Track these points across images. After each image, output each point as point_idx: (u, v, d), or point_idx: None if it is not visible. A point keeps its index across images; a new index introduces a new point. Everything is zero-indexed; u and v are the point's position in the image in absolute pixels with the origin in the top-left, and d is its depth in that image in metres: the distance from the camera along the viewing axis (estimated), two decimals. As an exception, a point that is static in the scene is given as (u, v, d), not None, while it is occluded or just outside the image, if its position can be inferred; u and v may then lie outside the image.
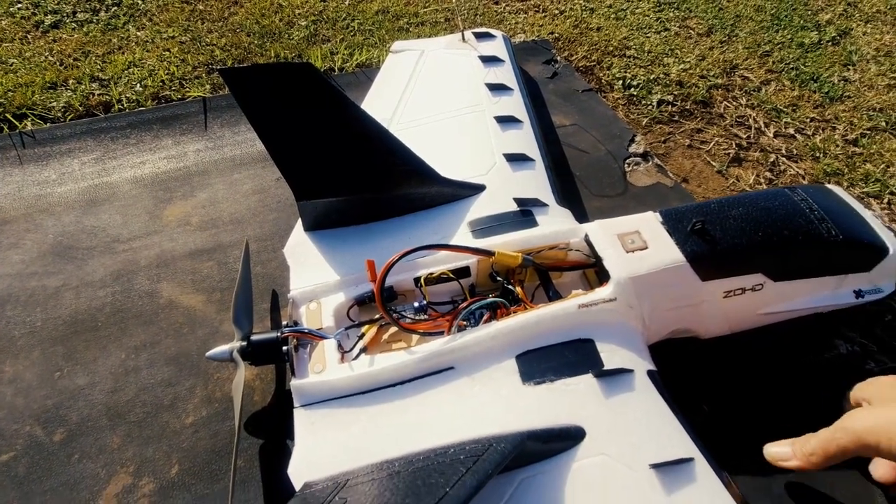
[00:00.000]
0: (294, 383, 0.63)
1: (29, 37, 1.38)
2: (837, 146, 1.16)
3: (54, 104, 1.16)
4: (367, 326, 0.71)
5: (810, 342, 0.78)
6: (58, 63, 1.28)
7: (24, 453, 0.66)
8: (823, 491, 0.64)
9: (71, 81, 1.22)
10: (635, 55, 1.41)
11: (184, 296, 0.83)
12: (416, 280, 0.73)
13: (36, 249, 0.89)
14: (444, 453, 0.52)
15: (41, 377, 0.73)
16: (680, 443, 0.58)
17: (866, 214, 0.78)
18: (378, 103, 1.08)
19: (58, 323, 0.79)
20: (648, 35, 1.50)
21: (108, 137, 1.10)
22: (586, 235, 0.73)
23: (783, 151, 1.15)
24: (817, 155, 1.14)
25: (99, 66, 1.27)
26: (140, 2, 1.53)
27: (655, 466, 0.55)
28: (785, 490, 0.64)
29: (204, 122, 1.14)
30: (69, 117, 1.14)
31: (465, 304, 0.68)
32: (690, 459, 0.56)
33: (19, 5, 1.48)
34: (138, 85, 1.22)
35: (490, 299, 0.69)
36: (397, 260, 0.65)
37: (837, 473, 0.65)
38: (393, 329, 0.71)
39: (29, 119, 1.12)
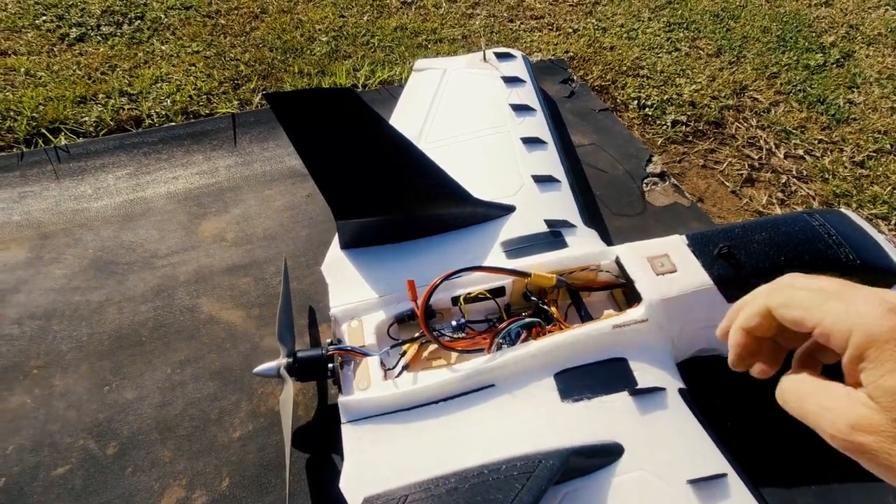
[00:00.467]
0: (342, 400, 0.66)
1: (55, 49, 1.40)
2: (845, 168, 1.20)
3: (86, 119, 1.18)
4: (408, 345, 0.73)
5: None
6: (86, 77, 1.31)
7: (80, 466, 0.68)
8: (842, 503, 0.68)
9: (100, 96, 1.25)
10: (648, 75, 1.45)
11: (224, 311, 0.85)
12: (454, 299, 0.76)
13: (77, 264, 0.91)
14: (497, 470, 0.55)
15: (91, 391, 0.76)
16: (713, 458, 0.61)
17: (880, 238, 0.81)
18: (404, 121, 1.11)
19: (103, 337, 0.82)
20: (660, 55, 1.54)
21: (140, 153, 1.12)
22: (617, 258, 0.76)
23: (794, 172, 1.19)
24: (826, 176, 1.18)
25: (127, 81, 1.30)
26: (163, 16, 1.56)
27: (692, 482, 0.58)
28: (809, 503, 0.68)
29: (233, 138, 1.17)
30: (101, 132, 1.17)
31: (505, 324, 0.71)
32: (724, 475, 0.59)
33: (44, 17, 1.50)
34: (167, 100, 1.25)
35: (528, 319, 0.72)
36: (441, 282, 0.68)
37: (857, 486, 0.69)
38: (433, 346, 0.74)
39: (63, 134, 1.14)
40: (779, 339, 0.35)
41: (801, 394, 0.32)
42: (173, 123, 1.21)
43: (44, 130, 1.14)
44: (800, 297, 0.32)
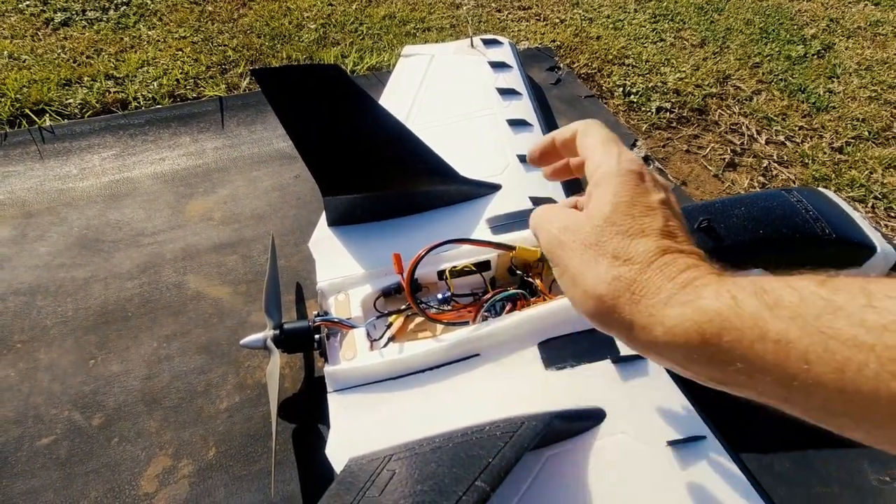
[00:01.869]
0: (328, 369, 0.66)
1: (40, 34, 1.39)
2: (825, 153, 1.23)
3: (71, 101, 1.17)
4: (394, 316, 0.74)
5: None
6: (71, 60, 1.30)
7: (65, 437, 0.68)
8: (818, 468, 0.69)
9: (86, 79, 1.24)
10: (634, 64, 1.47)
11: (211, 287, 0.86)
12: (440, 273, 0.77)
13: (62, 242, 0.91)
14: (482, 430, 0.56)
15: (76, 364, 0.76)
16: (692, 423, 0.62)
17: (855, 215, 0.84)
18: (391, 105, 1.12)
19: (89, 313, 0.81)
20: (645, 45, 1.56)
21: (126, 134, 1.12)
22: (600, 232, 0.78)
23: (775, 157, 1.22)
24: (806, 161, 1.21)
25: (113, 65, 1.29)
26: (149, 2, 1.55)
27: (671, 443, 0.59)
28: (786, 469, 0.69)
29: (221, 121, 1.16)
30: (87, 114, 1.16)
31: (489, 295, 0.72)
32: (703, 437, 0.60)
33: (28, 2, 1.49)
34: (154, 83, 1.24)
35: (512, 291, 0.73)
36: (426, 253, 0.69)
37: (832, 453, 0.71)
38: (419, 319, 0.75)
39: (47, 115, 1.14)
40: (570, 161, 0.48)
41: (545, 213, 0.43)
42: (160, 106, 1.20)
43: (28, 111, 1.13)
44: (596, 133, 0.43)
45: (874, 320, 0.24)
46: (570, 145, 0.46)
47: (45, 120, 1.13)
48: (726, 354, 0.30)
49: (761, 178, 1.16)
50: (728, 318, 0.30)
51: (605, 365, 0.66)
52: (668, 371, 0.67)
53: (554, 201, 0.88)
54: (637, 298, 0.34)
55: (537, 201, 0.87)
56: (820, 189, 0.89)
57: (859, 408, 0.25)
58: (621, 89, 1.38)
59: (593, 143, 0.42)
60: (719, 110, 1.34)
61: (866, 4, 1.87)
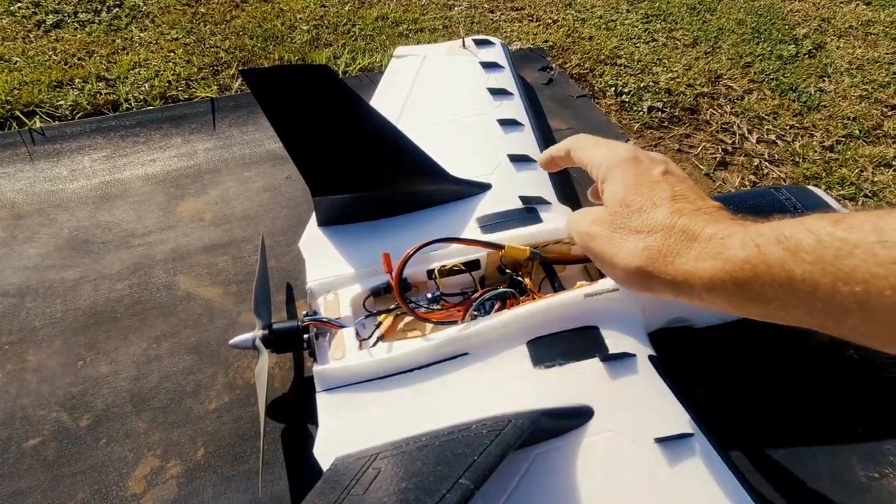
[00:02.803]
0: (316, 369, 0.66)
1: (31, 36, 1.39)
2: (815, 152, 1.23)
3: (62, 102, 1.17)
4: (383, 316, 0.74)
5: (796, 330, 0.84)
6: (62, 62, 1.30)
7: (53, 438, 0.68)
8: (807, 465, 0.69)
9: (77, 80, 1.24)
10: (626, 64, 1.48)
11: (201, 288, 0.85)
12: (429, 272, 0.77)
13: (52, 243, 0.90)
14: (468, 428, 0.56)
15: (64, 366, 0.75)
16: (680, 420, 0.62)
17: (843, 211, 0.84)
18: (383, 106, 1.12)
19: (78, 314, 0.81)
20: (637, 45, 1.57)
21: (117, 135, 1.12)
22: (590, 231, 0.78)
23: (766, 156, 1.22)
24: (797, 160, 1.21)
25: (104, 66, 1.29)
26: (142, 3, 1.55)
27: (659, 441, 0.59)
28: (775, 466, 0.70)
29: (212, 122, 1.16)
30: (77, 115, 1.16)
31: (478, 294, 0.72)
32: (691, 435, 0.60)
33: (19, 4, 1.48)
34: (145, 85, 1.24)
35: (501, 290, 0.73)
36: (414, 252, 0.69)
37: (821, 449, 0.71)
38: (408, 318, 0.75)
39: (38, 117, 1.13)
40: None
41: (575, 217, 0.49)
42: (151, 107, 1.20)
43: (18, 113, 1.13)
44: (584, 144, 0.50)
45: (885, 255, 0.28)
46: (567, 159, 0.53)
47: (35, 122, 1.13)
48: (764, 295, 0.34)
49: (752, 177, 1.17)
50: (756, 265, 0.33)
51: (594, 363, 0.66)
52: (656, 369, 0.67)
53: (545, 201, 0.88)
54: (671, 260, 0.38)
55: (527, 200, 0.87)
56: (808, 187, 0.89)
57: (886, 330, 0.29)
58: (613, 89, 1.38)
59: (585, 152, 0.49)
60: (711, 110, 1.35)
61: (858, 4, 1.88)
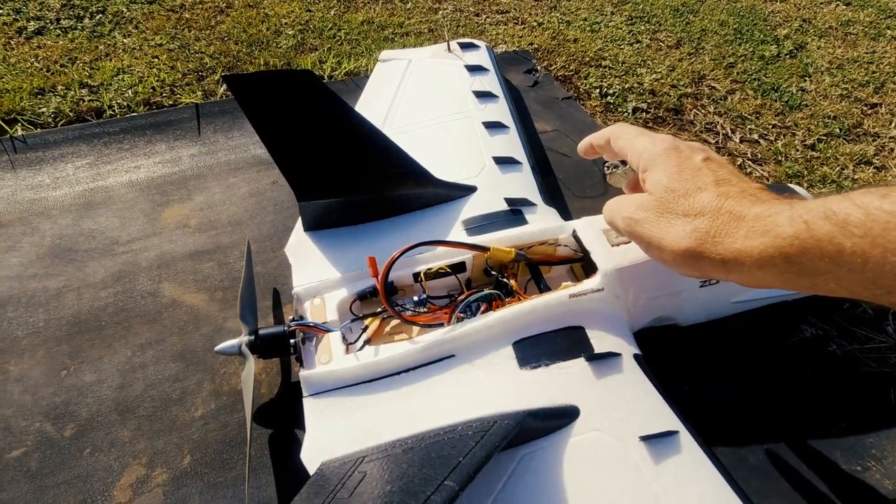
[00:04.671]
0: (303, 374, 0.66)
1: (12, 43, 1.38)
2: (797, 150, 1.25)
3: (44, 110, 1.16)
4: (370, 319, 0.74)
5: (780, 327, 0.85)
6: (44, 69, 1.28)
7: (36, 448, 0.67)
8: (792, 460, 0.70)
9: (59, 87, 1.23)
10: (610, 65, 1.49)
11: (186, 295, 0.85)
12: (415, 276, 0.77)
13: (34, 252, 0.89)
14: (454, 430, 0.56)
15: (48, 375, 0.74)
16: (665, 418, 0.63)
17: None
18: (368, 110, 1.12)
19: (61, 323, 0.80)
20: (622, 47, 1.58)
21: (101, 142, 1.11)
22: (574, 231, 0.78)
23: (749, 155, 1.24)
24: (780, 159, 1.23)
25: (87, 73, 1.28)
26: (125, 9, 1.54)
27: (644, 438, 0.60)
28: (760, 462, 0.70)
29: (197, 128, 1.16)
30: (60, 123, 1.15)
31: (463, 296, 0.72)
32: (676, 432, 0.61)
33: (0, 11, 1.47)
34: (129, 91, 1.23)
35: (487, 291, 0.73)
36: (399, 255, 0.69)
37: (805, 444, 0.72)
38: (395, 322, 0.75)
39: (19, 124, 1.12)
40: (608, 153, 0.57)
41: (616, 204, 0.50)
42: (135, 114, 1.19)
43: (-1, 121, 1.12)
44: (625, 133, 0.51)
45: None
46: (607, 147, 0.55)
47: (16, 129, 1.12)
48: (813, 268, 0.35)
49: (735, 176, 1.18)
50: (805, 240, 0.34)
51: (579, 363, 0.67)
52: (642, 367, 0.68)
53: (530, 202, 0.88)
54: (720, 240, 0.39)
55: (512, 202, 0.87)
56: (789, 185, 0.90)
57: None
58: (598, 90, 1.39)
59: (627, 142, 0.51)
60: (694, 110, 1.36)
61: (837, 4, 1.91)
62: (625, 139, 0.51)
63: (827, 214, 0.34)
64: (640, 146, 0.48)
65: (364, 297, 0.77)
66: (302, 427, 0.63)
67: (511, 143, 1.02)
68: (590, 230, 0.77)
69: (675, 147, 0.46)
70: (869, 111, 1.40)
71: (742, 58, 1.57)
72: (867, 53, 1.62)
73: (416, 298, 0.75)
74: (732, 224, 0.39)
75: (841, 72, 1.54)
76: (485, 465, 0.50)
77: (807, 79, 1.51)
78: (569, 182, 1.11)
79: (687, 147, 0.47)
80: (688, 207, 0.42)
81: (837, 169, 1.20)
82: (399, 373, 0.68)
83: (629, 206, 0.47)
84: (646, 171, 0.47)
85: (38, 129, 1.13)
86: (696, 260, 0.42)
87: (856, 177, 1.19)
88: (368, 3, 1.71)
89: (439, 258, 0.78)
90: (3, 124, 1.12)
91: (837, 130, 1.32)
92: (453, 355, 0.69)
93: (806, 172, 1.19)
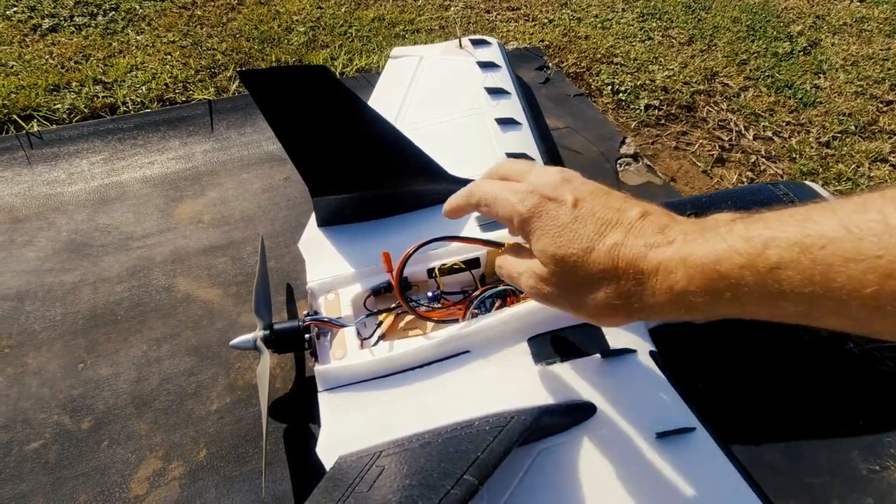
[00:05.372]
0: (318, 369, 0.66)
1: (27, 40, 1.39)
2: (812, 148, 1.24)
3: (59, 106, 1.17)
4: (384, 315, 0.74)
5: (796, 325, 0.84)
6: (59, 66, 1.29)
7: (55, 440, 0.68)
8: (809, 459, 0.70)
9: (74, 84, 1.24)
10: (622, 62, 1.48)
11: (201, 290, 0.85)
12: (429, 271, 0.77)
13: (50, 247, 0.90)
14: (471, 425, 0.56)
15: (65, 368, 0.75)
16: (682, 415, 0.63)
17: (841, 207, 0.84)
18: (381, 106, 1.12)
19: (77, 317, 0.81)
20: (633, 44, 1.57)
21: (115, 138, 1.12)
22: (588, 228, 0.78)
23: (762, 153, 1.23)
24: (794, 156, 1.22)
25: (101, 70, 1.29)
26: (138, 7, 1.55)
27: (660, 435, 0.59)
28: (777, 460, 0.70)
29: (210, 124, 1.16)
30: (75, 119, 1.16)
31: (478, 292, 0.72)
32: (692, 429, 0.61)
33: (15, 9, 1.48)
34: (142, 88, 1.24)
35: (501, 287, 0.73)
36: (414, 251, 0.69)
37: (822, 443, 0.71)
38: (409, 317, 0.75)
39: (35, 121, 1.13)
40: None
41: (507, 264, 0.47)
42: (149, 110, 1.20)
43: (16, 117, 1.13)
44: (485, 197, 0.45)
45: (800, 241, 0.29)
46: (470, 209, 0.50)
47: (32, 125, 1.13)
48: (737, 301, 0.32)
49: (749, 174, 1.17)
50: (714, 279, 0.33)
51: (595, 359, 0.66)
52: (657, 364, 0.67)
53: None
54: (636, 300, 0.36)
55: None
56: (806, 182, 0.89)
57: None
58: (610, 87, 1.39)
59: (489, 208, 0.45)
60: (707, 107, 1.35)
61: (851, 1, 1.89)
62: (486, 204, 0.45)
63: (718, 258, 0.32)
64: (504, 212, 0.43)
65: (378, 292, 0.77)
66: (316, 422, 0.63)
67: (524, 140, 1.01)
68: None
69: (541, 203, 0.40)
70: (884, 108, 1.38)
71: (755, 55, 1.56)
72: (882, 50, 1.61)
73: (430, 294, 0.75)
74: (638, 284, 0.36)
75: (856, 69, 1.52)
76: (503, 461, 0.50)
77: (821, 76, 1.49)
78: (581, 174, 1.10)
79: (551, 191, 0.40)
80: (586, 274, 0.38)
81: (853, 167, 1.19)
82: (414, 368, 0.68)
83: (529, 277, 0.43)
84: (527, 238, 0.42)
85: (54, 125, 1.14)
86: (627, 319, 0.39)
87: (872, 174, 1.18)
88: (379, 0, 1.71)
89: (453, 254, 0.78)
90: (19, 120, 1.13)
91: (853, 128, 1.30)
92: (468, 351, 0.69)
93: (821, 170, 1.18)
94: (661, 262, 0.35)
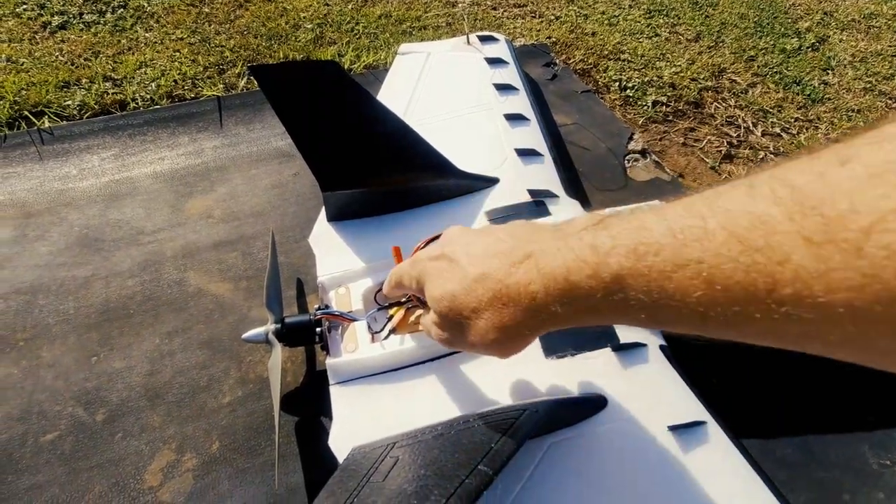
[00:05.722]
0: (329, 362, 0.67)
1: (37, 37, 1.39)
2: (821, 144, 1.23)
3: (69, 102, 1.18)
4: (395, 309, 0.74)
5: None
6: (69, 63, 1.30)
7: (69, 432, 0.69)
8: (820, 453, 0.70)
9: (84, 80, 1.24)
10: (629, 59, 1.48)
11: (212, 284, 0.86)
12: (439, 265, 0.77)
13: (63, 241, 0.91)
14: (483, 417, 0.56)
15: (79, 361, 0.76)
16: (693, 408, 0.63)
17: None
18: (389, 102, 1.12)
19: (90, 311, 0.82)
20: (641, 40, 1.57)
21: (125, 134, 1.12)
22: (598, 222, 0.78)
23: (771, 149, 1.22)
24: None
25: (111, 66, 1.30)
26: (146, 4, 1.56)
27: (672, 428, 0.60)
28: (788, 454, 0.70)
29: (219, 120, 1.17)
30: (85, 115, 1.17)
31: (489, 286, 0.72)
32: (704, 422, 0.61)
33: (25, 6, 1.49)
34: (152, 84, 1.25)
35: (512, 281, 0.73)
36: (425, 245, 0.69)
37: (834, 437, 0.71)
38: (419, 311, 0.75)
39: (46, 117, 1.14)
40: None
41: (423, 322, 0.49)
42: (158, 106, 1.21)
43: (27, 114, 1.14)
44: (396, 279, 0.50)
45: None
46: (399, 290, 0.54)
47: (43, 122, 1.13)
48: (599, 310, 0.32)
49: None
50: (570, 289, 0.33)
51: (605, 352, 0.67)
52: (668, 358, 0.68)
53: (553, 193, 0.88)
54: (518, 324, 0.37)
55: (535, 193, 0.87)
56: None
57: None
58: (617, 84, 1.39)
59: (400, 287, 0.51)
60: (715, 103, 1.35)
61: (860, -3, 1.88)
62: (396, 284, 0.51)
63: (570, 267, 0.32)
64: (406, 280, 0.48)
65: (389, 286, 0.77)
66: (327, 415, 0.63)
67: (533, 135, 1.02)
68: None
69: (425, 264, 0.45)
70: (893, 104, 1.38)
71: (763, 51, 1.55)
72: (891, 46, 1.60)
73: (440, 288, 0.76)
74: (505, 304, 0.37)
75: (864, 65, 1.51)
76: (517, 453, 0.50)
77: (829, 72, 1.49)
78: (589, 175, 1.10)
79: (431, 251, 0.46)
80: (465, 309, 0.40)
81: (862, 162, 1.18)
82: (425, 361, 0.68)
83: (431, 327, 0.47)
84: (421, 294, 0.46)
85: (65, 122, 1.15)
86: (513, 340, 0.40)
87: (881, 171, 1.17)
88: (386, -3, 1.71)
89: (463, 248, 0.78)
90: (30, 116, 1.14)
91: (861, 124, 1.30)
92: (479, 344, 0.69)
93: (830, 166, 1.18)
94: (518, 279, 0.36)
